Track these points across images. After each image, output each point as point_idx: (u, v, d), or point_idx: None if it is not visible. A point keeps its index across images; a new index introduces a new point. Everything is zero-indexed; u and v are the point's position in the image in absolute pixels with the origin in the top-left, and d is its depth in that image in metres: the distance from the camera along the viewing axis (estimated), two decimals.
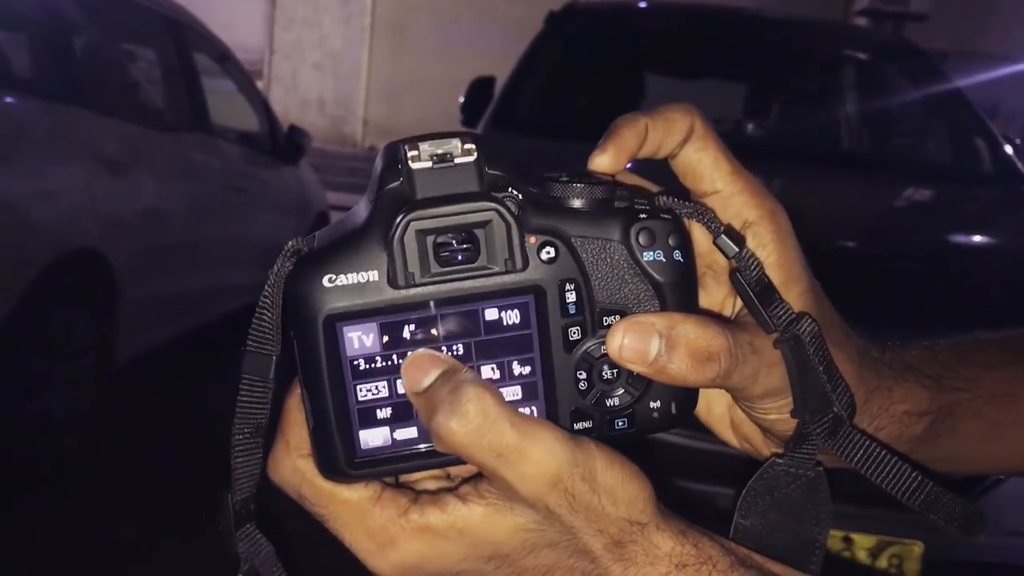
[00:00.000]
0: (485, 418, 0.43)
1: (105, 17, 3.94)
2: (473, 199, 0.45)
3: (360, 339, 0.45)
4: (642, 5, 4.49)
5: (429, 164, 0.45)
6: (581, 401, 0.47)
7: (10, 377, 2.98)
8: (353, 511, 0.47)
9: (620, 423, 0.48)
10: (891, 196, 3.30)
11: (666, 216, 0.48)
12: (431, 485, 0.50)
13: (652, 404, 0.48)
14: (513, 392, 0.47)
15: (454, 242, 0.45)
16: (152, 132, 3.96)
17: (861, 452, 0.52)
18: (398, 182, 0.45)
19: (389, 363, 0.46)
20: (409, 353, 0.45)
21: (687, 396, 0.50)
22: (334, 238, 0.46)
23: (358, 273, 0.45)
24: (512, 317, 0.46)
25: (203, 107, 4.53)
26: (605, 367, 0.47)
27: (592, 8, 4.23)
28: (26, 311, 2.95)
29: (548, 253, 0.46)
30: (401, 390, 0.46)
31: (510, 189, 0.46)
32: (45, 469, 3.20)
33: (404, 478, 0.50)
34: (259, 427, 0.49)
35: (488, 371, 0.46)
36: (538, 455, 0.43)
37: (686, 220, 0.49)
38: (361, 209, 0.47)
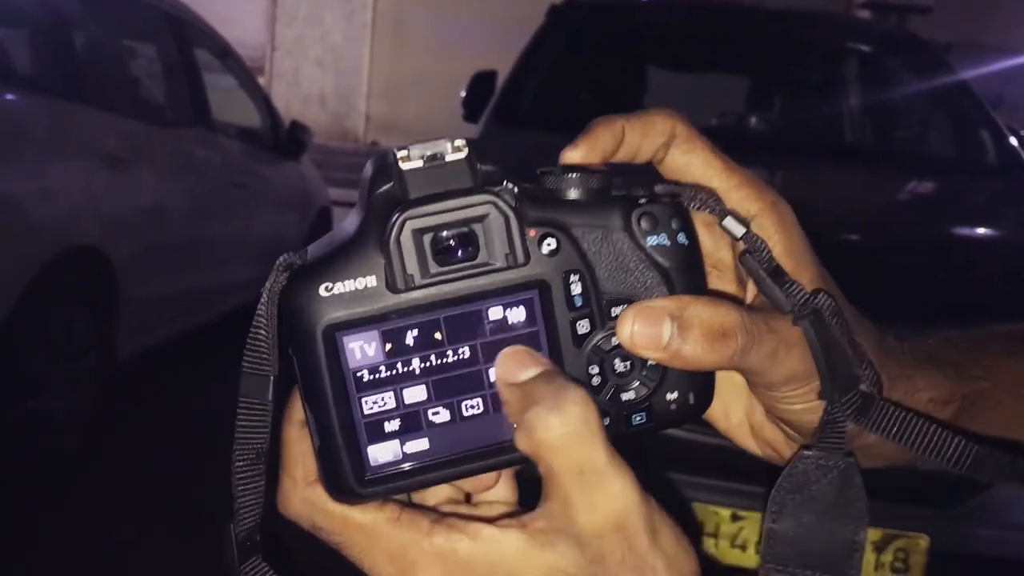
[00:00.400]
0: (585, 426, 0.41)
1: (106, 13, 3.93)
2: (468, 193, 0.43)
3: (362, 349, 0.43)
4: None
5: (420, 164, 0.43)
6: (595, 397, 0.44)
7: (10, 377, 2.97)
8: (370, 535, 0.44)
9: (637, 418, 0.46)
10: (895, 189, 3.28)
11: (666, 200, 0.46)
12: (447, 508, 0.47)
13: (669, 396, 0.47)
14: None
15: (452, 240, 0.43)
16: (153, 128, 3.96)
17: (898, 424, 0.49)
18: (389, 185, 0.44)
19: (394, 372, 0.43)
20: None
21: (705, 384, 0.48)
22: (327, 248, 0.44)
23: (355, 280, 0.43)
24: (517, 315, 0.44)
25: (204, 103, 4.51)
26: (617, 360, 0.45)
27: (593, 1, 4.20)
28: (26, 310, 2.94)
29: (549, 245, 0.44)
30: (408, 400, 0.44)
31: (505, 183, 0.44)
32: (45, 469, 3.19)
33: (418, 500, 0.48)
34: (260, 453, 0.46)
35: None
36: (617, 489, 0.41)
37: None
38: (353, 218, 0.45)
